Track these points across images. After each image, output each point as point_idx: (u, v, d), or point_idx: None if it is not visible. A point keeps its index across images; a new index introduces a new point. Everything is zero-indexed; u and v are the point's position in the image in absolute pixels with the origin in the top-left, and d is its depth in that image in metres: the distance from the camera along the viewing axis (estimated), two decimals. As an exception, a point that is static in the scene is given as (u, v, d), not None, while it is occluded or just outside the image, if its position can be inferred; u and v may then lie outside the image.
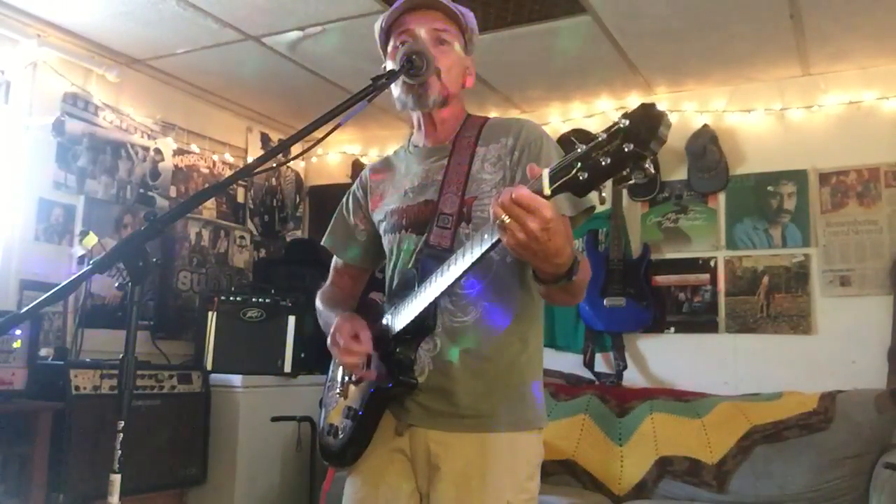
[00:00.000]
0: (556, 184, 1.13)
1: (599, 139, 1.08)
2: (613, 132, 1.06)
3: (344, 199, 1.84)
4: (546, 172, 1.15)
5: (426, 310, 1.46)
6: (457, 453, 1.51)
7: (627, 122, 1.05)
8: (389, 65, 1.63)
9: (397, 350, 1.52)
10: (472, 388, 1.52)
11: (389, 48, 1.65)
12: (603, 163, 1.07)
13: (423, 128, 1.68)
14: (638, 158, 1.05)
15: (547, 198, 1.15)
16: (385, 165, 1.78)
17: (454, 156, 1.60)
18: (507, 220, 1.16)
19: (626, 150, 1.04)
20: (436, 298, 1.43)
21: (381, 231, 1.71)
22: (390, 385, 1.51)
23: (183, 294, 4.19)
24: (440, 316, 1.52)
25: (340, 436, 1.61)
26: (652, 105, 1.06)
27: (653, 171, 1.07)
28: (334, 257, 1.87)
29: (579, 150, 1.10)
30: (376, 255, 1.79)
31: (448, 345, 1.52)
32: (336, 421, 1.65)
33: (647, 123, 1.04)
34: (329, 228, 1.86)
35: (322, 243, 1.87)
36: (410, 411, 1.55)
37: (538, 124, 1.66)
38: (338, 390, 1.70)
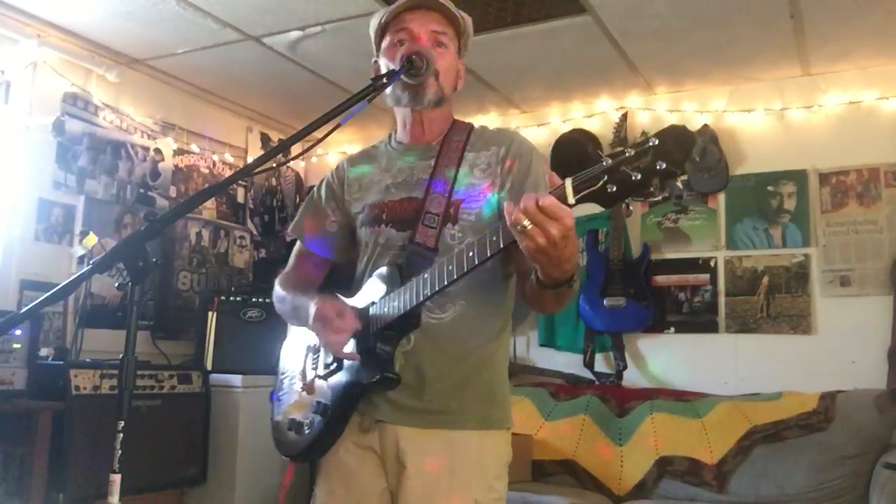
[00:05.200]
0: (582, 193, 1.18)
1: (627, 154, 1.13)
2: (643, 150, 1.12)
3: (316, 188, 1.81)
4: (570, 182, 1.19)
5: (416, 307, 1.45)
6: (425, 450, 1.50)
7: (657, 141, 1.11)
8: (383, 62, 1.62)
9: (378, 346, 1.51)
10: (444, 386, 1.52)
11: (385, 44, 1.64)
12: (633, 178, 1.13)
13: (408, 126, 1.67)
14: (670, 176, 1.11)
15: (570, 206, 1.19)
16: (365, 158, 1.76)
17: (442, 157, 1.61)
18: (528, 225, 1.19)
19: (658, 167, 1.11)
20: (433, 295, 1.42)
21: (358, 223, 1.69)
22: (373, 381, 1.49)
23: (183, 294, 4.19)
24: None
25: (307, 431, 1.59)
26: (683, 127, 1.14)
27: (681, 187, 1.13)
28: (298, 243, 1.83)
29: (605, 164, 1.15)
30: (344, 246, 1.77)
31: (423, 341, 1.52)
32: (298, 416, 1.63)
33: (680, 144, 1.11)
34: (297, 215, 1.83)
35: (289, 230, 1.84)
36: (379, 407, 1.54)
37: (526, 138, 1.69)
38: (299, 384, 1.68)
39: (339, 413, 1.55)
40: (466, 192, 1.57)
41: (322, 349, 1.63)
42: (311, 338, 1.66)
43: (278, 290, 1.76)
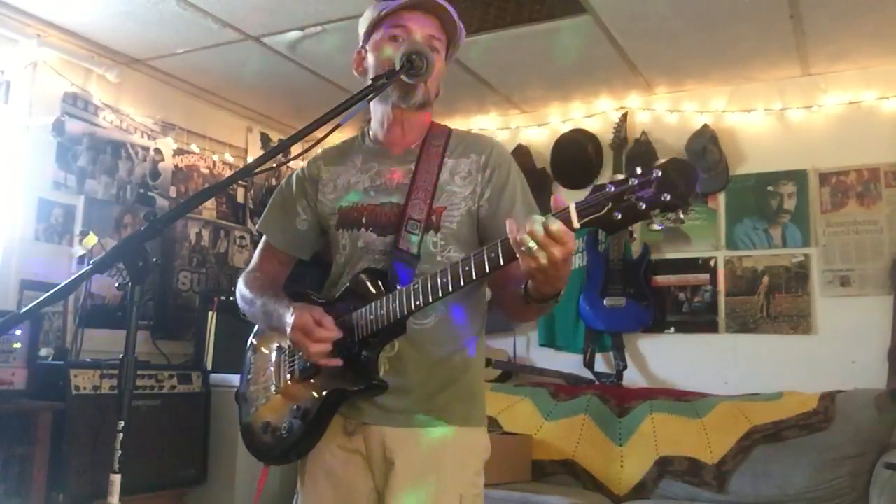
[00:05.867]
0: (587, 219, 1.20)
1: (631, 183, 1.16)
2: (646, 181, 1.15)
3: (285, 183, 1.77)
4: (573, 207, 1.21)
5: (405, 316, 1.45)
6: (412, 449, 1.52)
7: (661, 173, 1.14)
8: (371, 56, 1.62)
9: (363, 353, 1.51)
10: (428, 387, 1.54)
11: (377, 36, 1.62)
12: (639, 206, 1.15)
13: (386, 126, 1.64)
14: (674, 208, 1.14)
15: (574, 230, 1.22)
16: (339, 156, 1.73)
17: (422, 163, 1.60)
18: (534, 246, 1.21)
19: (664, 198, 1.13)
20: (427, 305, 1.41)
21: (332, 224, 1.67)
22: (361, 388, 1.50)
23: (183, 294, 4.19)
24: None
25: (284, 435, 1.58)
26: (685, 160, 1.19)
27: (682, 218, 1.17)
28: (263, 238, 1.80)
29: (609, 191, 1.18)
30: (312, 244, 1.76)
31: (406, 347, 1.52)
32: (272, 419, 1.62)
33: (684, 178, 1.14)
34: (266, 211, 1.79)
35: (257, 227, 1.81)
36: (364, 410, 1.54)
37: (505, 147, 1.71)
38: (273, 386, 1.66)
39: (319, 417, 1.54)
40: (448, 200, 1.58)
41: (298, 352, 1.61)
42: (282, 338, 1.65)
43: (245, 290, 1.73)
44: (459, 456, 1.54)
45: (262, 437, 1.64)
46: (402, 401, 1.52)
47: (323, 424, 1.55)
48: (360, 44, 1.67)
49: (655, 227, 1.20)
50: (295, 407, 1.57)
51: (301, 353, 1.58)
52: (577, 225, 1.21)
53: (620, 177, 1.18)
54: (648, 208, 1.14)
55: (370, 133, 1.70)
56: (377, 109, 1.66)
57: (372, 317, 1.48)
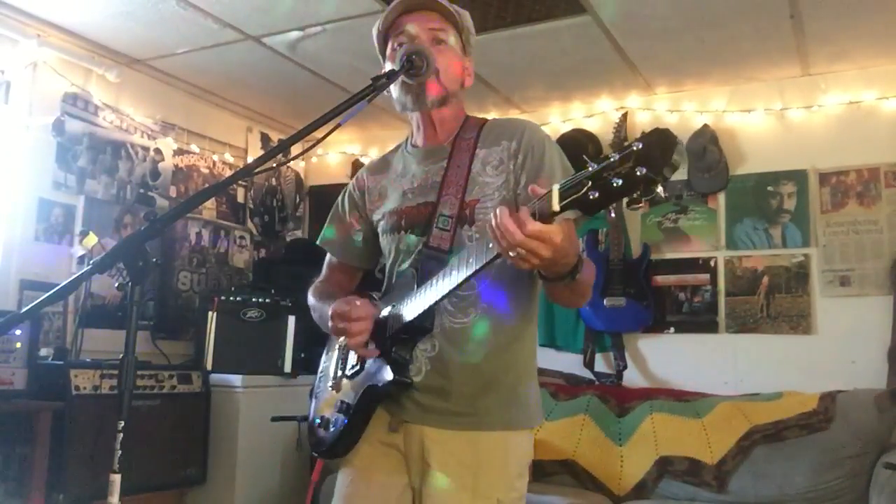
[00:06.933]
0: (566, 201, 1.15)
1: (611, 160, 1.10)
2: (626, 154, 1.08)
3: (339, 199, 1.85)
4: (556, 189, 1.17)
5: (425, 312, 1.47)
6: (450, 450, 1.52)
7: (641, 146, 1.07)
8: (388, 67, 1.63)
9: (394, 350, 1.53)
10: (469, 388, 1.53)
11: (388, 51, 1.65)
12: (614, 184, 1.09)
13: (422, 128, 1.68)
14: (650, 182, 1.07)
15: (555, 213, 1.17)
16: (383, 165, 1.78)
17: (453, 157, 1.61)
18: (522, 251, 1.20)
19: (638, 173, 1.06)
20: (436, 302, 1.44)
21: (380, 231, 1.71)
22: (385, 383, 1.52)
23: (183, 294, 4.19)
24: (439, 317, 1.53)
25: (331, 429, 1.63)
26: (666, 130, 1.08)
27: (663, 194, 1.10)
28: (328, 254, 1.87)
29: (590, 169, 1.12)
30: (371, 254, 1.80)
31: (446, 346, 1.53)
32: (327, 413, 1.67)
33: (661, 149, 1.06)
34: (324, 227, 1.86)
35: (317, 242, 1.87)
36: (405, 408, 1.56)
37: (539, 126, 1.67)
38: (330, 383, 1.71)
39: (360, 412, 1.57)
40: (481, 192, 1.57)
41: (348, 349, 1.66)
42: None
43: (310, 299, 1.79)
44: (498, 459, 1.53)
45: (317, 430, 1.69)
46: (442, 401, 1.53)
47: (363, 419, 1.58)
48: (381, 61, 1.70)
49: (638, 205, 1.14)
50: (341, 402, 1.62)
51: (349, 349, 1.61)
52: (556, 208, 1.16)
53: (604, 154, 1.12)
54: (624, 185, 1.08)
55: (411, 139, 1.74)
56: (411, 117, 1.69)
57: (400, 314, 1.52)
